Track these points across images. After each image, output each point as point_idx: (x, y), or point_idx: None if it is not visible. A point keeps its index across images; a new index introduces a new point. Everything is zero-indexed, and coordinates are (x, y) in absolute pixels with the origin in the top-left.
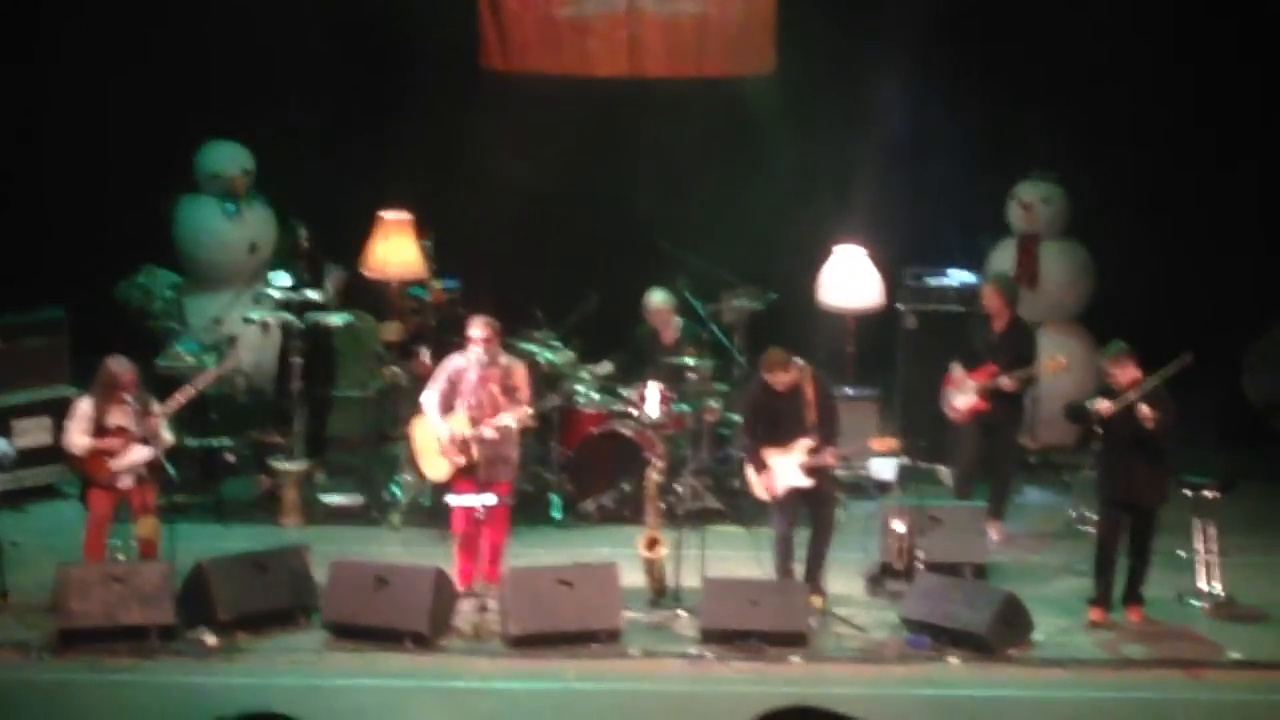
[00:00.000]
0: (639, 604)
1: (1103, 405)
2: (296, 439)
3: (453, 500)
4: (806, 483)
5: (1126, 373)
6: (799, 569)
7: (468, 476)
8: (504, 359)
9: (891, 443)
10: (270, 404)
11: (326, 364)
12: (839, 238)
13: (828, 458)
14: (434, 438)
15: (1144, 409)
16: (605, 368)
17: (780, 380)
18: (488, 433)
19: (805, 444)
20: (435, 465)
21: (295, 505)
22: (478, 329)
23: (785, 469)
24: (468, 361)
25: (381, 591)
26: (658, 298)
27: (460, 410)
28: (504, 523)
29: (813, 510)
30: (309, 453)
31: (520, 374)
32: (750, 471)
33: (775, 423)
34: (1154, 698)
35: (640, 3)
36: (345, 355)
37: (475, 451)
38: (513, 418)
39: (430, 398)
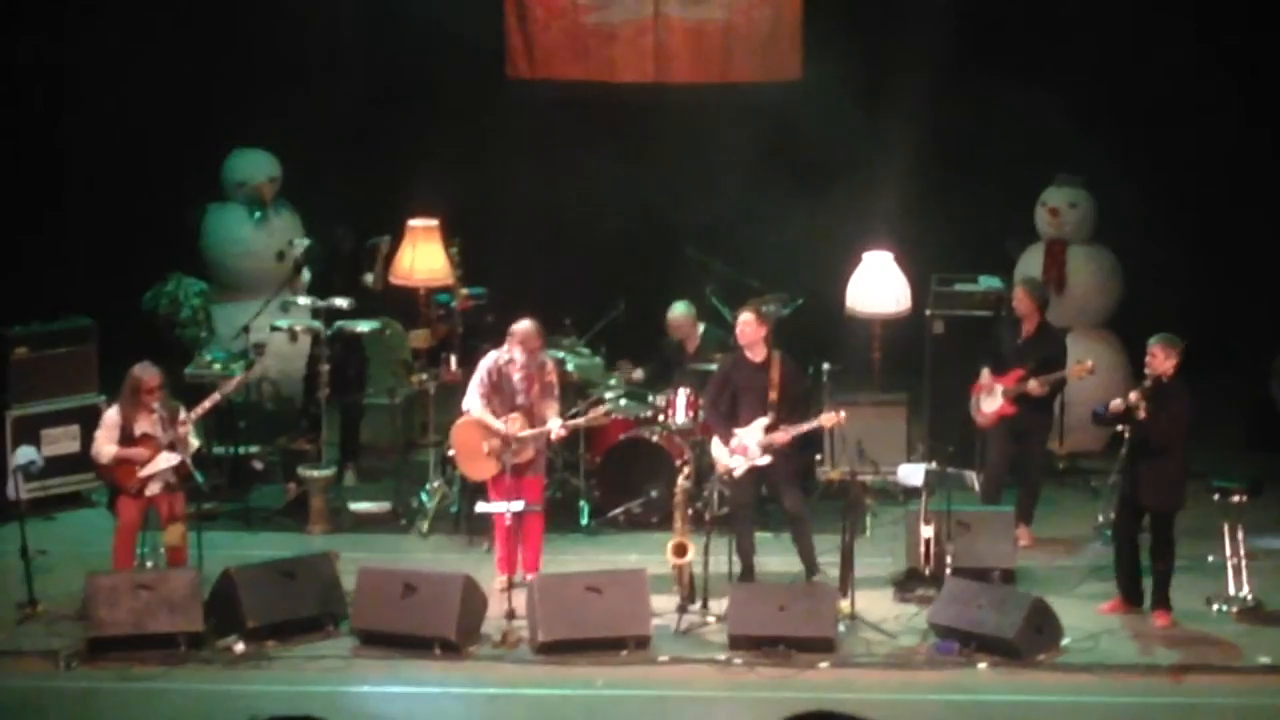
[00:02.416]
0: (667, 611)
1: (1114, 404)
2: (326, 446)
3: (483, 508)
4: (765, 460)
5: (1166, 361)
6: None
7: (503, 475)
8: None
9: (840, 418)
10: (298, 411)
11: (358, 371)
12: (867, 244)
13: (782, 434)
14: (479, 440)
15: (1132, 395)
16: (639, 373)
17: (758, 354)
18: (554, 427)
19: (762, 422)
20: (479, 467)
21: (323, 513)
22: (532, 337)
23: (746, 445)
24: (502, 360)
25: (410, 599)
26: (679, 310)
27: (508, 411)
28: (539, 515)
29: (779, 498)
30: (342, 459)
31: (551, 369)
32: (715, 445)
33: (737, 400)
34: (1183, 703)
35: (666, 9)
36: (374, 362)
37: (531, 450)
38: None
39: (474, 402)
